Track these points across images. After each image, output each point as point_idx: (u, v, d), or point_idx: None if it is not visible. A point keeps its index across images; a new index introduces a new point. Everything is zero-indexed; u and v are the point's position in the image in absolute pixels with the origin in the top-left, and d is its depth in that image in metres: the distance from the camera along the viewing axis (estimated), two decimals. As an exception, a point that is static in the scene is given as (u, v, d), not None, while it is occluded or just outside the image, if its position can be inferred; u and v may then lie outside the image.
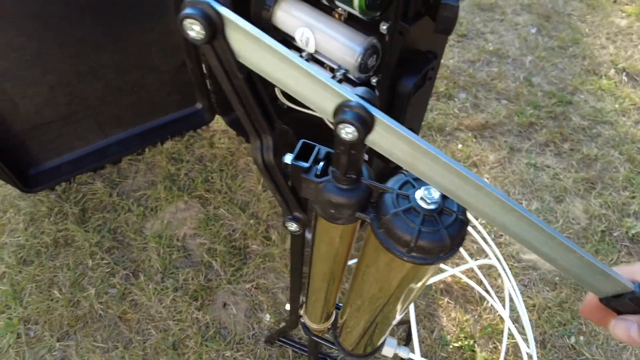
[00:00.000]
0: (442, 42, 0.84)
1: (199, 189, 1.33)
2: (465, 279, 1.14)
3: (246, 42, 0.31)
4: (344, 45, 0.93)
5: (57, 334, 1.07)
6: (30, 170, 1.27)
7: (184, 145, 1.43)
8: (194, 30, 0.30)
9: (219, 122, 1.50)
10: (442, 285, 1.17)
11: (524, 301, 1.17)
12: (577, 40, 1.92)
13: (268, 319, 1.10)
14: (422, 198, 0.38)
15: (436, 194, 0.38)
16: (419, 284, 0.48)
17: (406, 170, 0.40)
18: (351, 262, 0.63)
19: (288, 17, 1.01)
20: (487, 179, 1.40)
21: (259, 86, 0.36)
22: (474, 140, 1.51)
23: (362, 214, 0.41)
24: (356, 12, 0.86)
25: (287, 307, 0.78)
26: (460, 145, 1.48)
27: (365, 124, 0.32)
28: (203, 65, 1.27)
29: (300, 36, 0.99)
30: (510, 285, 0.92)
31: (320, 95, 0.32)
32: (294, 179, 0.43)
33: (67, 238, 1.23)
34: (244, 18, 0.30)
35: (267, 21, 1.04)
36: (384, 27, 0.89)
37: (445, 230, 0.38)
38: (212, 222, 1.26)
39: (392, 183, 0.40)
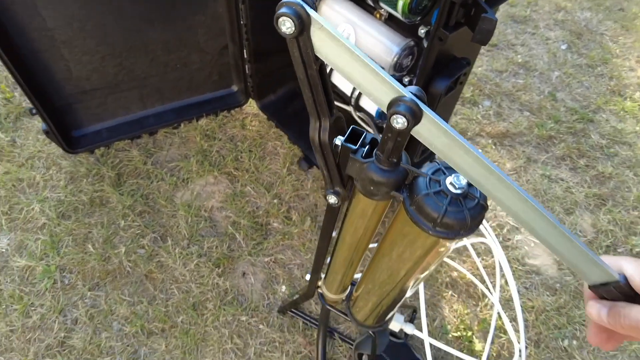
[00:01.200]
0: (476, 51, 0.90)
1: (229, 166, 1.41)
2: (469, 275, 1.21)
3: (327, 40, 0.38)
4: (382, 44, 1.00)
5: (89, 284, 1.17)
6: (74, 132, 1.36)
7: (218, 124, 1.51)
8: (286, 25, 0.37)
9: (251, 106, 1.57)
10: (447, 279, 1.24)
11: (524, 302, 1.23)
12: (607, 60, 1.95)
13: (284, 290, 1.18)
14: (451, 183, 0.45)
15: (463, 181, 0.45)
16: (434, 261, 0.55)
17: (439, 160, 0.47)
18: (371, 245, 0.70)
19: (332, 12, 1.08)
20: (502, 185, 1.46)
21: (326, 76, 0.43)
22: (494, 147, 1.56)
23: (396, 192, 0.48)
24: (398, 15, 0.92)
25: (308, 277, 0.86)
26: (479, 151, 1.53)
27: (415, 117, 0.38)
28: (245, 50, 1.34)
29: (342, 32, 1.06)
30: (500, 267, 0.99)
31: (379, 89, 0.39)
32: (342, 157, 0.50)
33: (102, 199, 1.32)
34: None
35: (312, 14, 1.11)
36: (422, 31, 0.96)
37: (468, 212, 0.45)
38: (239, 198, 1.34)
39: (426, 169, 0.47)
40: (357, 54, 0.38)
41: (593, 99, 1.78)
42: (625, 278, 0.38)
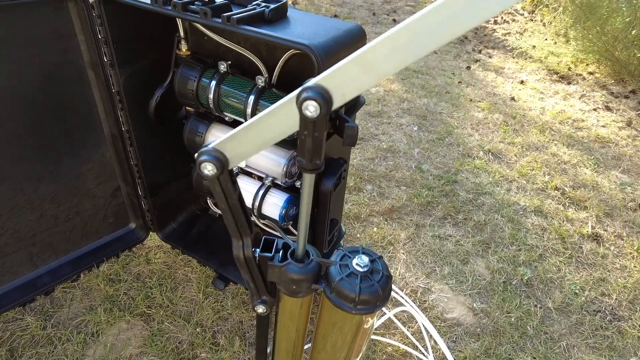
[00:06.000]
0: (348, 151, 1.08)
1: (141, 307, 1.34)
2: (402, 346, 1.27)
3: (236, 139, 0.42)
4: (271, 159, 1.12)
5: None
6: (-51, 316, 1.20)
7: (121, 265, 1.45)
8: (208, 169, 0.44)
9: (153, 239, 1.56)
10: (384, 357, 1.28)
11: (456, 355, 1.32)
12: (450, 132, 2.38)
13: None
14: (357, 264, 0.54)
15: (366, 259, 0.54)
16: (364, 341, 0.61)
17: (342, 246, 0.56)
18: (306, 346, 0.73)
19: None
20: (403, 253, 1.62)
21: (244, 201, 0.50)
22: (386, 222, 1.75)
23: (316, 285, 0.55)
24: (278, 133, 1.07)
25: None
26: (375, 229, 1.70)
27: (326, 100, 0.36)
28: (139, 187, 1.37)
29: (232, 155, 1.17)
30: (426, 329, 1.07)
31: (284, 115, 0.38)
32: (262, 267, 0.56)
33: (-6, 385, 1.14)
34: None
35: (200, 147, 1.21)
36: (300, 142, 1.11)
37: (378, 284, 0.53)
38: (158, 338, 1.27)
39: (334, 258, 0.56)
40: (254, 121, 0.40)
41: (451, 164, 2.13)
42: None
